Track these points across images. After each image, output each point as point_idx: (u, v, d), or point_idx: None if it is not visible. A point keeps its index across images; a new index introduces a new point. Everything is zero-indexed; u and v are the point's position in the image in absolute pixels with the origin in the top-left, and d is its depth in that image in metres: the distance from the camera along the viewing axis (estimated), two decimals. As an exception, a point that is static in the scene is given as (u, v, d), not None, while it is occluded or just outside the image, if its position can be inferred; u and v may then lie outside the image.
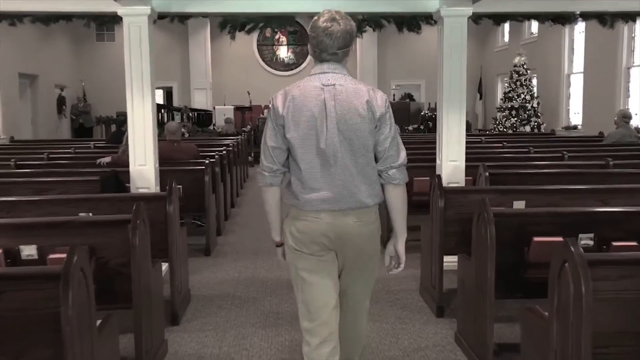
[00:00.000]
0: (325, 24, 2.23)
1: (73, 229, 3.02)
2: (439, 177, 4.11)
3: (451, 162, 5.01)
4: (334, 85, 2.25)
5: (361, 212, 2.28)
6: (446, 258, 4.07)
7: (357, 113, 2.23)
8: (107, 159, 6.30)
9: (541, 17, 5.25)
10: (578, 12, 5.18)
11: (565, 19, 5.31)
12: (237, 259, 5.59)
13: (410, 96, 18.27)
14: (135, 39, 4.81)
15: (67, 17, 5.09)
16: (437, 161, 5.17)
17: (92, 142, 9.50)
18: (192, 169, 5.85)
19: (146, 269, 3.11)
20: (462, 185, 4.91)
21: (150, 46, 4.86)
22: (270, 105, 2.32)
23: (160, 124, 16.28)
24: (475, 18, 5.17)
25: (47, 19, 5.05)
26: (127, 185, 4.95)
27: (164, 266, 4.18)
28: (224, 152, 7.53)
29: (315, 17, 2.29)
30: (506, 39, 17.70)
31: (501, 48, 17.83)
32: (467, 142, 9.22)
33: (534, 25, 15.89)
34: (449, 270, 4.10)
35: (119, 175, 4.89)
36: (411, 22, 5.26)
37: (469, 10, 4.89)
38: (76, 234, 2.99)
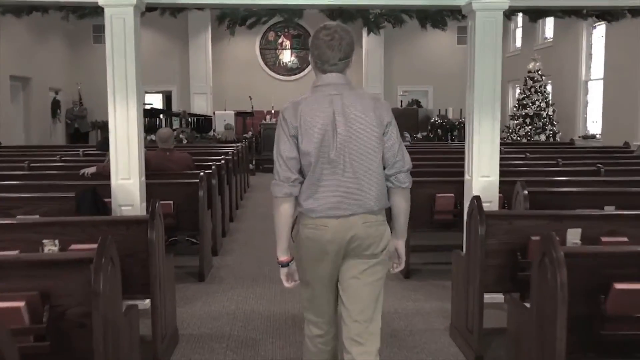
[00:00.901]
0: (326, 37, 2.32)
1: (21, 270, 2.34)
2: (478, 198, 3.42)
3: (483, 177, 4.33)
4: (341, 95, 2.33)
5: (367, 215, 2.33)
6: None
7: (365, 121, 2.31)
8: (92, 169, 5.64)
9: (585, 12, 4.58)
10: (627, 7, 4.51)
11: (611, 15, 4.65)
12: (234, 285, 4.90)
13: (417, 102, 17.63)
14: (119, 33, 4.14)
15: (42, 8, 4.44)
16: (466, 176, 4.49)
17: (81, 149, 8.83)
18: (185, 183, 5.17)
19: (114, 319, 2.43)
20: (503, 209, 4.23)
21: (136, 42, 4.20)
22: (280, 117, 2.35)
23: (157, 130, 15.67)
24: (510, 13, 4.48)
25: (19, 10, 4.39)
26: (107, 200, 4.28)
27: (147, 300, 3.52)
28: (222, 161, 6.86)
29: (316, 31, 2.37)
30: (518, 44, 17.07)
31: (513, 54, 17.17)
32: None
33: (549, 30, 15.25)
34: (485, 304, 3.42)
35: (97, 191, 4.21)
36: (436, 17, 4.60)
37: (505, 4, 4.21)
38: (25, 277, 2.31)
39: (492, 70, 4.30)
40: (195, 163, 6.60)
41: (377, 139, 2.33)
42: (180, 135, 14.08)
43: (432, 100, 18.51)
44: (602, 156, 7.93)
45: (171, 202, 5.01)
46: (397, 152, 2.37)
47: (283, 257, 2.41)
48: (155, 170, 5.81)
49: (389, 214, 2.46)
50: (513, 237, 3.29)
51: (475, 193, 4.32)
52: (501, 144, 11.29)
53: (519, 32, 17.03)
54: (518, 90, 17.23)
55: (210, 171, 5.88)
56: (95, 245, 2.74)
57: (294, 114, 2.31)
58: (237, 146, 9.80)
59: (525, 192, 4.17)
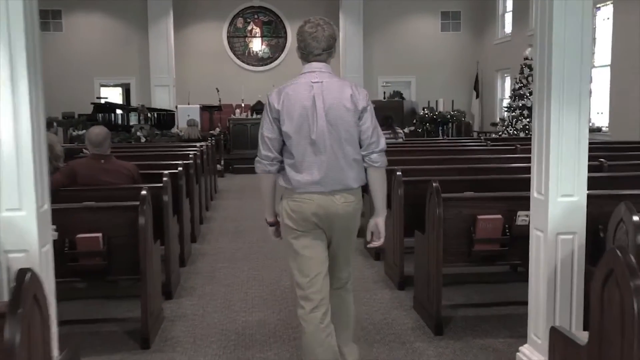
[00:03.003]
0: (310, 29, 2.60)
1: None
2: (624, 253, 1.93)
3: (565, 198, 2.90)
4: (321, 82, 2.59)
5: (347, 194, 2.63)
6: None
7: (343, 106, 2.59)
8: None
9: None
10: None
11: None
12: (193, 356, 3.37)
13: (399, 94, 16.26)
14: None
15: None
16: (535, 195, 3.07)
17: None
18: (119, 207, 3.61)
19: None
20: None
21: (28, 8, 2.62)
22: (266, 101, 2.64)
23: (115, 128, 13.84)
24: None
25: None
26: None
27: None
28: (179, 169, 5.30)
29: (302, 24, 2.65)
30: (508, 30, 15.76)
31: (501, 40, 15.89)
32: (499, 153, 7.16)
33: (544, 14, 14.00)
34: None
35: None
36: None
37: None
38: None
39: (579, 39, 2.87)
40: (148, 171, 5.08)
41: (354, 122, 2.59)
42: (138, 133, 12.43)
43: (415, 91, 17.14)
44: (636, 154, 6.62)
45: (99, 234, 3.46)
46: (371, 134, 2.63)
47: (270, 219, 2.80)
48: (84, 185, 4.26)
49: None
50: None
51: (552, 219, 2.92)
52: (502, 140, 9.96)
53: (508, 17, 15.75)
54: (509, 80, 16.03)
55: (162, 184, 4.34)
56: None
57: (277, 98, 2.59)
58: (202, 146, 8.22)
59: (636, 218, 2.74)
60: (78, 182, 4.29)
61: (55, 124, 11.86)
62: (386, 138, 8.75)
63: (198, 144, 8.65)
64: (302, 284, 2.64)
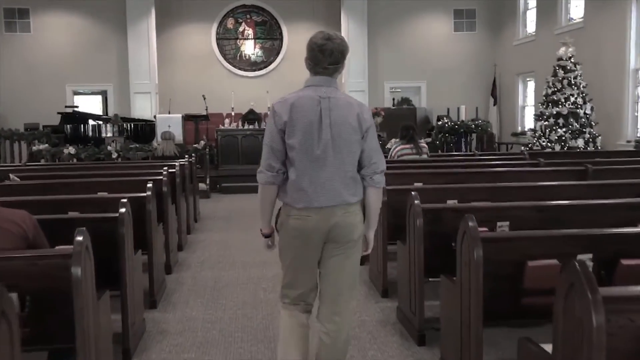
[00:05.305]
0: (320, 41, 2.58)
1: None
2: None
3: None
4: (328, 98, 2.57)
5: (345, 207, 2.61)
6: None
7: (348, 124, 2.58)
8: None
9: None
10: None
11: None
12: None
13: (407, 101, 14.53)
14: None
15: None
16: None
17: None
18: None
19: None
20: None
21: None
22: (271, 110, 2.61)
23: (86, 141, 12.07)
24: None
25: None
26: None
27: None
28: (122, 210, 3.46)
29: (313, 35, 2.63)
30: (530, 29, 14.04)
31: (524, 40, 14.17)
32: (564, 177, 5.40)
33: (576, 9, 12.28)
34: None
35: None
36: None
37: None
38: None
39: None
40: (85, 214, 3.31)
41: (357, 141, 2.60)
42: (109, 147, 10.60)
43: (426, 97, 15.40)
44: None
45: None
46: (374, 155, 2.65)
47: (266, 230, 2.78)
48: None
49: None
50: None
51: None
52: (548, 155, 8.14)
53: (531, 15, 14.04)
54: (531, 85, 14.33)
55: (76, 254, 2.53)
56: None
57: (285, 109, 2.55)
58: (174, 167, 6.39)
59: None
60: None
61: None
62: (407, 154, 6.83)
63: (171, 163, 6.83)
64: (289, 295, 2.71)
